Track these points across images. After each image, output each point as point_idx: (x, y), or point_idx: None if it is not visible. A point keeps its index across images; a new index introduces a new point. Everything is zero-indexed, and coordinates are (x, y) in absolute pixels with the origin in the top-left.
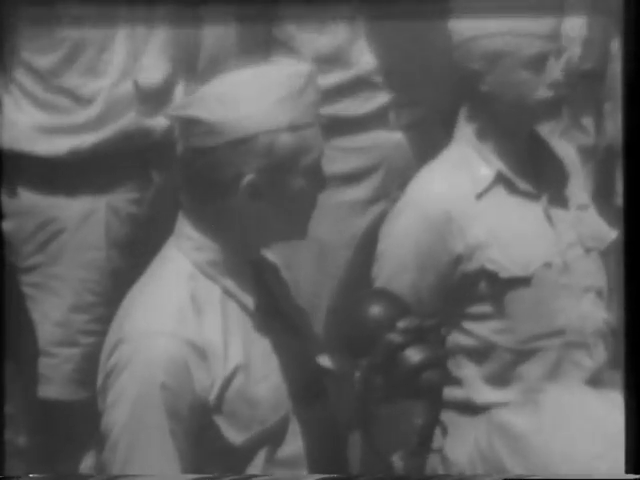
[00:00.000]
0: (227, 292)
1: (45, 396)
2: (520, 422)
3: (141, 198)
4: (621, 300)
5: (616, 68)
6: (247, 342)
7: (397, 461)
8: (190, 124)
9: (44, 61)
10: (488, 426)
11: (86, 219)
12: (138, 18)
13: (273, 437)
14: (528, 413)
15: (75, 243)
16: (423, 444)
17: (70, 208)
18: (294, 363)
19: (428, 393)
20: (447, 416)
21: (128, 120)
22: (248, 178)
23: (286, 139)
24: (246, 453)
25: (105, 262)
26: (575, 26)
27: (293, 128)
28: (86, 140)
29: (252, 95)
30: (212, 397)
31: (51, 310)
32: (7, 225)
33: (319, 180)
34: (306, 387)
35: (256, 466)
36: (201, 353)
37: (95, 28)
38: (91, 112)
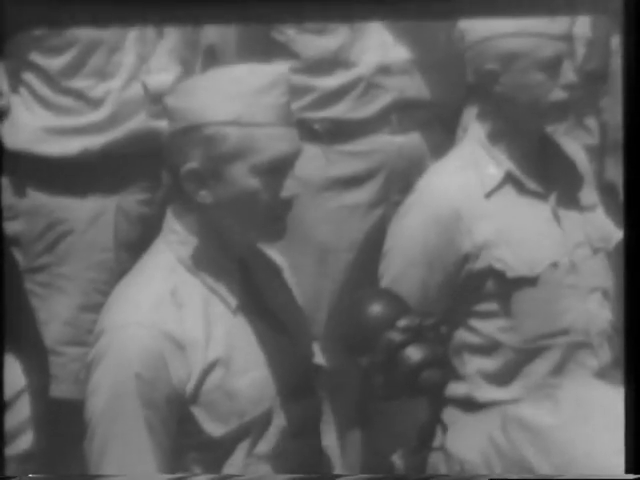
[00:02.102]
0: (209, 287)
1: (53, 395)
2: (541, 418)
3: (150, 199)
4: (622, 298)
5: (618, 68)
6: (230, 336)
7: (397, 460)
8: (166, 111)
9: (54, 63)
10: (505, 422)
11: (95, 220)
12: (147, 20)
13: (253, 431)
14: (548, 409)
15: (84, 244)
16: (423, 443)
17: (79, 209)
18: (282, 360)
19: (428, 392)
20: (451, 413)
21: (137, 121)
22: (189, 166)
23: (229, 133)
24: (226, 446)
25: (114, 263)
26: (579, 26)
27: (240, 124)
28: (96, 141)
29: (208, 87)
30: (189, 388)
31: (60, 309)
32: (17, 225)
33: (274, 184)
34: (294, 384)
35: (237, 460)
36: (178, 345)
37: (105, 30)
38: (101, 114)
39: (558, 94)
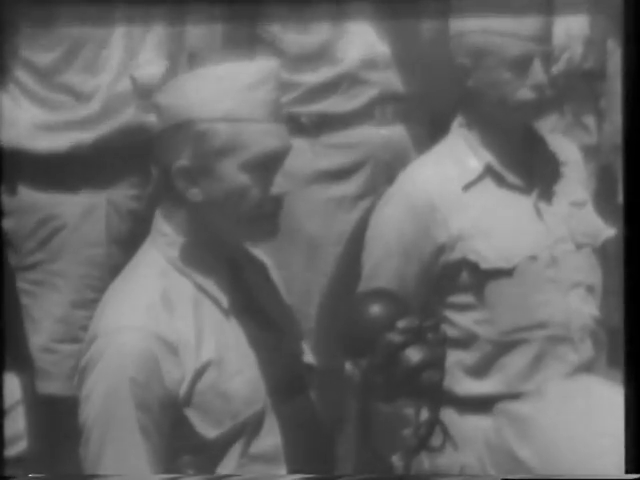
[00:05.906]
0: (199, 288)
1: (46, 392)
2: (525, 406)
3: (141, 194)
4: (621, 298)
5: (617, 67)
6: (221, 337)
7: (396, 460)
8: (155, 108)
9: (43, 59)
10: (496, 419)
11: (87, 215)
12: (135, 16)
13: (247, 432)
14: (532, 399)
15: (76, 239)
16: (422, 443)
17: (70, 205)
18: (273, 359)
19: (428, 392)
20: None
21: (127, 116)
22: (179, 163)
23: (219, 129)
24: (220, 448)
25: (106, 258)
26: (576, 25)
27: (230, 120)
28: (86, 136)
29: (198, 84)
30: (182, 391)
31: (52, 306)
32: (8, 223)
33: (264, 180)
34: (285, 383)
35: (231, 461)
36: (171, 347)
37: (93, 26)
38: (90, 109)
39: (526, 94)
